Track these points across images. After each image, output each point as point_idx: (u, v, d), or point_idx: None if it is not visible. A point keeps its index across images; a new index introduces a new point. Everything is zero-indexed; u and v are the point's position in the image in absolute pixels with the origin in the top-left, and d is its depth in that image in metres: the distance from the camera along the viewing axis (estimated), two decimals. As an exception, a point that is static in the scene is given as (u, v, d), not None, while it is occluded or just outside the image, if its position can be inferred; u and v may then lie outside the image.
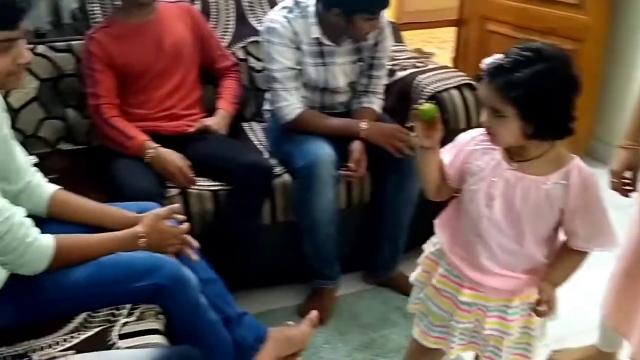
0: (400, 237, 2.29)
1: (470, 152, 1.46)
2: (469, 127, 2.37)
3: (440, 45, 5.97)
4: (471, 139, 1.48)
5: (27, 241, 1.34)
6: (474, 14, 3.72)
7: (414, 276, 1.67)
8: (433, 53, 5.05)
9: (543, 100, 1.26)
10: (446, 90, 2.37)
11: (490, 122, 1.33)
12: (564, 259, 1.45)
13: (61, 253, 1.40)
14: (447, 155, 1.52)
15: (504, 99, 1.27)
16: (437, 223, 1.61)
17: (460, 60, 3.92)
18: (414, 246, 2.39)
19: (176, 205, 1.71)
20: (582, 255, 1.44)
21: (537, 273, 1.46)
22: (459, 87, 2.39)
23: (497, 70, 1.29)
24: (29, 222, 1.37)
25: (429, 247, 1.66)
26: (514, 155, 1.39)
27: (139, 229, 1.56)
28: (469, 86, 2.40)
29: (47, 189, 1.60)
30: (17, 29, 1.31)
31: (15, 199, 1.45)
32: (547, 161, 1.37)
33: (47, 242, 1.39)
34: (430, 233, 2.42)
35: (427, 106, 1.41)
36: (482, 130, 1.41)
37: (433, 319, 1.58)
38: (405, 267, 2.36)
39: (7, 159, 1.48)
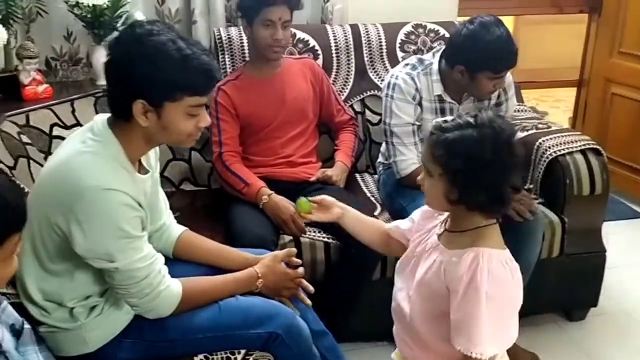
0: (513, 303, 2.18)
1: (422, 215, 1.47)
2: (593, 193, 2.26)
3: (554, 104, 5.80)
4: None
5: (160, 289, 1.39)
6: (597, 75, 3.59)
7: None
8: (546, 112, 4.91)
9: (464, 165, 1.23)
10: (569, 153, 2.28)
11: (423, 181, 1.34)
12: None
13: (187, 299, 1.45)
14: (413, 218, 1.52)
15: (432, 157, 1.28)
16: None
17: (579, 121, 3.77)
18: (529, 313, 2.29)
19: (293, 249, 1.73)
20: None
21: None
22: (583, 151, 2.29)
23: (435, 129, 1.29)
24: (165, 269, 1.43)
25: None
26: (449, 223, 1.37)
27: (257, 269, 1.59)
28: (595, 151, 2.30)
29: (176, 229, 1.67)
30: (207, 95, 1.40)
31: (148, 239, 1.51)
32: (468, 237, 1.30)
33: (176, 289, 1.43)
34: (547, 299, 2.34)
35: (301, 203, 1.63)
36: None
37: None
38: (519, 336, 2.24)
39: (154, 200, 1.57)
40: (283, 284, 1.62)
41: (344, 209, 1.61)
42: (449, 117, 1.33)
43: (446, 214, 1.40)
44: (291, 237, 2.07)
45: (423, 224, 1.45)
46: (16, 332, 1.23)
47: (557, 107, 5.72)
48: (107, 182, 1.29)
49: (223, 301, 1.52)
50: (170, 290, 1.42)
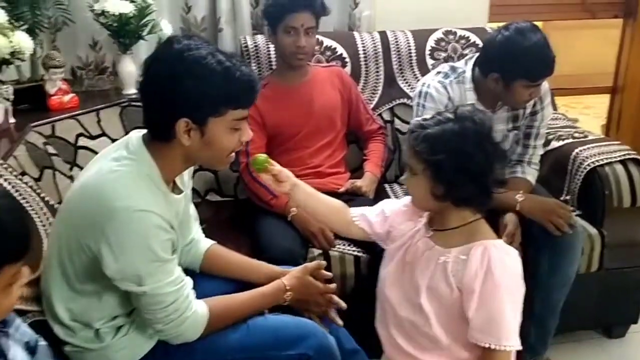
0: (551, 319, 2.10)
1: (398, 215, 1.44)
2: (634, 205, 2.17)
3: (584, 110, 5.68)
4: (402, 204, 1.46)
5: (186, 314, 1.34)
6: (632, 81, 3.49)
7: None
8: (577, 119, 4.80)
9: (448, 159, 1.23)
10: (609, 164, 2.19)
11: (407, 181, 1.33)
12: None
13: (214, 321, 1.40)
14: (379, 208, 1.51)
15: (414, 153, 1.29)
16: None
17: (613, 129, 3.67)
18: (566, 330, 2.21)
19: (323, 262, 1.67)
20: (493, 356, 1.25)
21: None
22: (623, 162, 2.21)
23: (415, 127, 1.29)
24: (193, 293, 1.37)
25: None
26: (435, 223, 1.35)
27: (285, 281, 1.54)
28: (635, 161, 2.21)
29: (204, 243, 1.63)
30: (249, 107, 1.35)
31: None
32: (461, 234, 1.30)
33: (202, 312, 1.38)
34: (585, 315, 2.25)
35: (257, 159, 1.53)
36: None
37: None
38: (555, 353, 2.18)
39: (186, 217, 1.53)
40: (313, 298, 1.56)
41: (295, 183, 1.57)
42: (427, 115, 1.33)
43: (425, 215, 1.39)
44: (320, 251, 2.01)
45: (399, 227, 1.44)
46: (31, 350, 1.19)
47: (587, 114, 5.60)
48: (140, 203, 1.24)
49: (252, 320, 1.47)
50: (196, 315, 1.36)
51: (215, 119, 1.29)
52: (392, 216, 1.48)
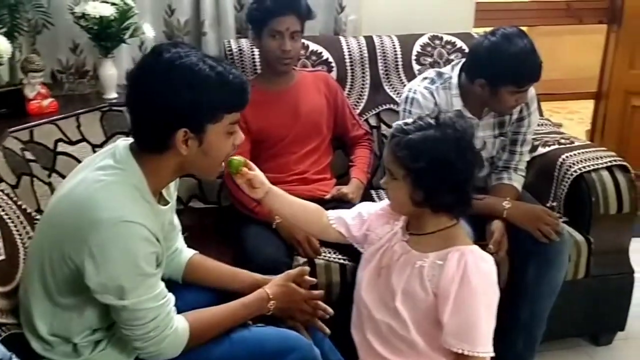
0: (538, 327, 2.08)
1: (375, 218, 1.44)
2: (620, 212, 2.17)
3: (568, 115, 5.71)
4: (379, 208, 1.46)
5: (166, 332, 1.29)
6: (616, 87, 3.50)
7: None
8: (561, 124, 4.82)
9: (429, 166, 1.23)
10: (595, 170, 2.19)
11: (387, 185, 1.32)
12: None
13: (195, 337, 1.35)
14: (356, 211, 1.51)
15: (395, 159, 1.28)
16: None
17: (597, 135, 3.68)
18: (553, 337, 2.20)
19: (306, 268, 1.64)
20: None
21: None
22: (609, 168, 2.20)
23: (397, 131, 1.29)
24: (174, 310, 1.33)
25: None
26: (412, 227, 1.36)
27: (267, 290, 1.50)
28: (622, 167, 2.21)
29: (186, 253, 1.60)
30: (243, 110, 1.34)
31: None
32: (437, 239, 1.31)
33: (183, 329, 1.34)
34: (572, 323, 2.24)
35: (232, 161, 1.47)
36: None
37: None
38: (542, 362, 2.16)
39: (170, 228, 1.51)
40: (297, 306, 1.52)
41: (270, 189, 1.54)
42: (409, 120, 1.32)
43: (402, 219, 1.39)
44: (306, 259, 1.98)
45: (376, 231, 1.43)
46: None
47: (570, 119, 5.63)
48: (125, 214, 1.20)
49: (235, 333, 1.43)
50: (176, 332, 1.32)
51: (213, 125, 1.28)
52: (369, 219, 1.48)
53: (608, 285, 2.23)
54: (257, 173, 1.52)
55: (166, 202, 1.42)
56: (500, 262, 2.04)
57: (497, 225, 1.99)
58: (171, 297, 1.32)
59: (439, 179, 1.25)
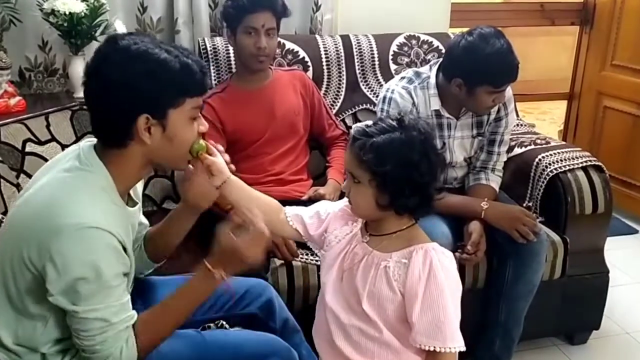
0: (515, 327, 2.08)
1: (334, 219, 1.42)
2: (595, 211, 2.18)
3: (540, 116, 5.78)
4: (338, 209, 1.44)
5: (111, 351, 1.22)
6: (588, 88, 3.53)
7: None
8: (533, 124, 4.87)
9: (395, 169, 1.22)
10: (571, 170, 2.20)
11: (349, 188, 1.31)
12: None
13: (147, 345, 1.27)
14: (314, 209, 1.48)
15: (359, 163, 1.25)
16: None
17: (570, 135, 3.72)
18: (529, 337, 2.20)
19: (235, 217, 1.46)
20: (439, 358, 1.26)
21: None
22: (584, 168, 2.21)
23: (359, 134, 1.26)
24: (129, 330, 1.25)
25: None
26: (371, 228, 1.35)
27: (206, 261, 1.36)
28: (596, 167, 2.22)
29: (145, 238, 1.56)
30: (204, 94, 1.32)
31: None
32: (398, 239, 1.31)
33: (131, 345, 1.25)
34: (548, 323, 2.25)
35: (197, 143, 1.36)
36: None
37: None
38: (518, 360, 2.17)
39: (141, 227, 1.48)
40: (245, 254, 1.34)
41: (228, 178, 1.47)
42: (370, 122, 1.30)
43: (360, 220, 1.38)
44: (282, 261, 1.95)
45: (334, 232, 1.41)
46: None
47: (543, 119, 5.69)
48: (89, 220, 1.16)
49: (210, 337, 1.39)
50: (127, 353, 1.23)
51: (175, 110, 1.25)
52: (327, 220, 1.45)
53: (583, 285, 2.24)
54: (218, 160, 1.44)
55: (135, 203, 1.38)
56: (478, 263, 2.05)
57: (475, 226, 1.98)
58: (132, 316, 1.25)
59: (404, 182, 1.24)
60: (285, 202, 2.10)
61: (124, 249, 1.23)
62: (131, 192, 1.37)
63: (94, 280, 1.16)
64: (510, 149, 2.34)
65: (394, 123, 1.26)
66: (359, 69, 2.56)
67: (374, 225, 1.34)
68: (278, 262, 1.95)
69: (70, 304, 1.17)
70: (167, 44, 1.27)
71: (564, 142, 2.55)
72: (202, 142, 1.39)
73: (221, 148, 1.46)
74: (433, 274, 1.24)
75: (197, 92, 1.28)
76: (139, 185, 1.44)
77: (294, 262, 1.95)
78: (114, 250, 1.20)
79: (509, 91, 2.10)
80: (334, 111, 2.47)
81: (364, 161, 1.24)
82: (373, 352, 1.33)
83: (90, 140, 1.31)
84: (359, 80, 2.55)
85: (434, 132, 1.34)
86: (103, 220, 1.18)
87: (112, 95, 1.22)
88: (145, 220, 1.56)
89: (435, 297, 1.24)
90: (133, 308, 1.28)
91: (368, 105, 2.52)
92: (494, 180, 2.17)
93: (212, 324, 1.55)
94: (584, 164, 2.22)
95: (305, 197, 2.14)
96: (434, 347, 1.25)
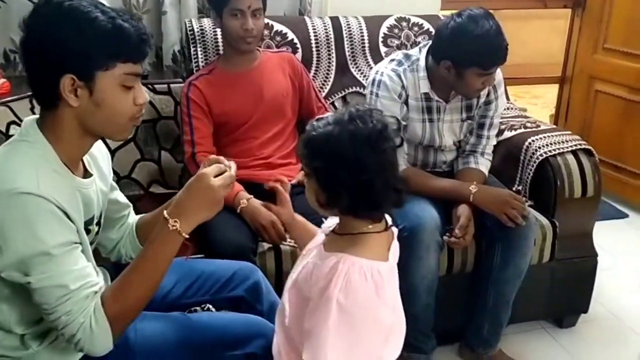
0: (503, 311, 2.08)
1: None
2: (584, 196, 2.18)
3: (532, 100, 5.76)
4: None
5: (79, 319, 1.17)
6: (580, 71, 3.52)
7: None
8: (525, 109, 4.85)
9: (324, 164, 1.15)
10: (560, 154, 2.19)
11: (305, 182, 1.25)
12: None
13: (117, 314, 1.20)
14: None
15: (300, 157, 1.23)
16: None
17: (561, 119, 3.71)
18: (517, 320, 2.21)
19: (212, 157, 1.41)
20: None
21: None
22: (574, 152, 2.21)
23: (309, 126, 1.20)
24: (94, 295, 1.20)
25: None
26: (338, 226, 1.27)
27: (164, 214, 1.27)
28: (586, 151, 2.22)
29: (132, 220, 1.54)
30: (141, 63, 1.25)
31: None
32: (345, 242, 1.20)
33: (99, 310, 1.20)
34: (537, 306, 2.25)
35: None
36: None
37: None
38: (506, 343, 2.17)
39: (114, 207, 1.46)
40: (204, 200, 1.30)
41: (294, 216, 1.50)
42: (329, 114, 1.23)
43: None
44: (271, 245, 1.94)
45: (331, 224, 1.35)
46: None
47: (535, 103, 5.68)
48: (22, 186, 1.12)
49: (196, 319, 1.38)
50: (96, 319, 1.18)
51: (104, 72, 1.19)
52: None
53: (572, 269, 2.25)
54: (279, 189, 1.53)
55: (89, 175, 1.33)
56: (467, 246, 2.05)
57: (463, 210, 1.97)
58: (93, 282, 1.21)
59: (335, 179, 1.14)
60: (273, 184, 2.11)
61: (67, 216, 1.18)
62: (87, 164, 1.34)
63: (38, 248, 1.13)
64: (500, 132, 2.33)
65: (341, 115, 1.17)
66: (348, 51, 2.53)
67: (340, 222, 1.26)
68: (266, 245, 1.94)
69: (23, 275, 1.14)
70: (110, 8, 1.21)
71: (554, 126, 2.54)
72: None
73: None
74: (329, 285, 1.12)
75: (130, 57, 1.22)
76: (102, 160, 1.41)
77: (282, 246, 1.94)
78: (54, 215, 1.15)
79: (498, 74, 2.08)
80: (323, 94, 2.45)
81: (300, 156, 1.20)
82: (285, 339, 1.27)
83: (34, 116, 1.28)
84: (349, 62, 2.53)
85: (381, 127, 1.16)
86: (38, 186, 1.14)
87: (38, 52, 1.18)
88: (124, 200, 1.53)
89: (321, 307, 1.12)
90: None
91: (358, 87, 2.50)
92: (483, 164, 2.16)
93: (198, 307, 1.53)
94: (574, 147, 2.21)
95: (294, 181, 2.12)
96: (305, 357, 1.14)
